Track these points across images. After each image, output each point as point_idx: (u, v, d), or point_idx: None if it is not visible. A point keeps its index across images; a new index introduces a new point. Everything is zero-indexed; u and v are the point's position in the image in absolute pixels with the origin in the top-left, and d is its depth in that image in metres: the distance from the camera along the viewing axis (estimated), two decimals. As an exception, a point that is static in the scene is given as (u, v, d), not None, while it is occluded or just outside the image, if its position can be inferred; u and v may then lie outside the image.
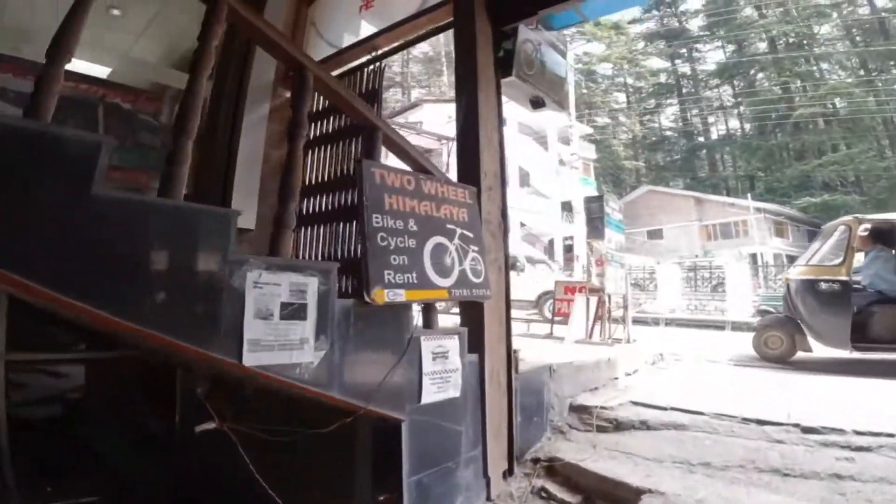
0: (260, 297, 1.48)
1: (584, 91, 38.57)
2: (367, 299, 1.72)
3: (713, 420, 2.87)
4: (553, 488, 2.51)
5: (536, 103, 3.04)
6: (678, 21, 40.22)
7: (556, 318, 6.38)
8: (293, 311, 1.54)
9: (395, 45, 3.25)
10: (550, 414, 3.02)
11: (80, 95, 2.74)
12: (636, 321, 7.29)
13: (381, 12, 3.31)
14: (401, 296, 1.84)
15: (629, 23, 39.55)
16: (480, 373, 2.34)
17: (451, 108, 2.72)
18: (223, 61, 3.45)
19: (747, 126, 37.72)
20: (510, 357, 2.60)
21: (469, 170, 2.50)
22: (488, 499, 2.34)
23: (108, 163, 1.25)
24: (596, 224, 6.01)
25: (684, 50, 40.00)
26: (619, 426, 3.00)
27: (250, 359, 1.45)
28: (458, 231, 2.22)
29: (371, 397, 1.74)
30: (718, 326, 10.66)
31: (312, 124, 3.06)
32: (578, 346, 4.93)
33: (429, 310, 2.15)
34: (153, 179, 2.88)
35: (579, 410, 3.18)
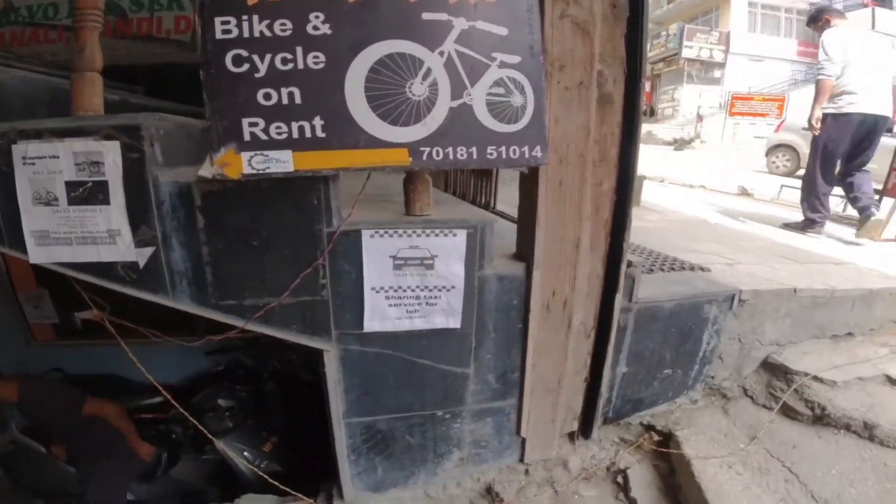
0: (35, 178, 1.05)
1: None
2: (205, 171, 1.05)
3: None
4: (638, 478, 1.55)
5: None
6: None
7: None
8: (86, 194, 1.07)
9: None
10: (712, 368, 1.77)
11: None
12: None
13: None
14: (283, 163, 1.04)
15: None
16: (525, 294, 1.40)
17: None
18: None
19: None
20: (615, 270, 1.47)
21: None
22: (521, 460, 1.62)
23: None
24: None
25: None
26: (821, 418, 1.58)
27: (40, 254, 1.09)
28: (460, 25, 1.10)
29: (247, 312, 1.21)
30: None
31: None
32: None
33: (411, 182, 1.27)
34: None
35: (772, 372, 1.80)
